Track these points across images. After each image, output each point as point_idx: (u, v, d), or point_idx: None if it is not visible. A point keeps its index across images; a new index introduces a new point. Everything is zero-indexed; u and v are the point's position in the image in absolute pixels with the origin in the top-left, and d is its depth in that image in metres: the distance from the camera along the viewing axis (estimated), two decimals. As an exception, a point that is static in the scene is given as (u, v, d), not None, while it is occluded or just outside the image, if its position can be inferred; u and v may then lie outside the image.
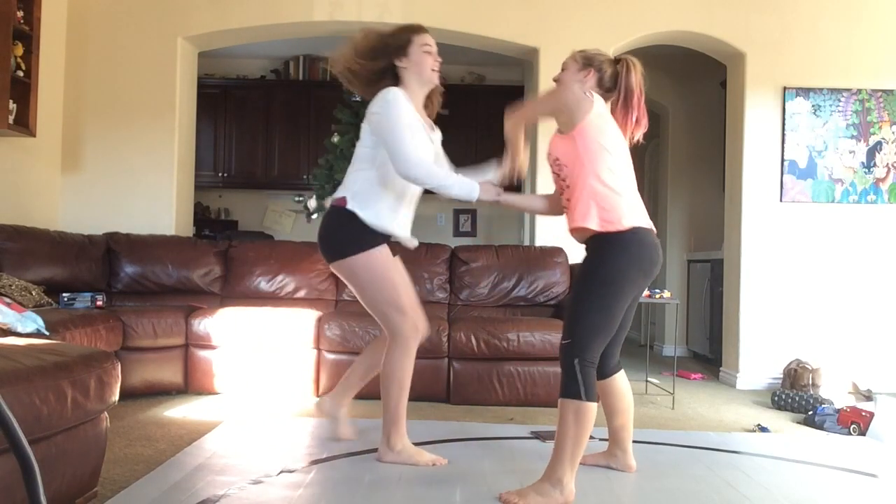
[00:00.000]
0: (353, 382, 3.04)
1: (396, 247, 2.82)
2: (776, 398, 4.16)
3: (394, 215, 2.74)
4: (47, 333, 2.97)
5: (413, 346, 2.75)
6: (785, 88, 4.89)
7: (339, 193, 2.73)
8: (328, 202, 2.87)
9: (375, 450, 2.83)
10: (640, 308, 6.19)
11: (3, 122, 3.94)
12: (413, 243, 2.87)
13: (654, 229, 2.51)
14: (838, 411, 3.63)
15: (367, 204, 2.67)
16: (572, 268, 4.63)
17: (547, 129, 5.00)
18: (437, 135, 2.88)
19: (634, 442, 2.92)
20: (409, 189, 2.76)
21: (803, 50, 4.90)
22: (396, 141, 2.57)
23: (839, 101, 4.87)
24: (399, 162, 2.57)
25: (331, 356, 4.04)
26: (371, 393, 4.00)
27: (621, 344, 2.67)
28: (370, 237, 2.68)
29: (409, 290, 2.80)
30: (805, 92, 4.88)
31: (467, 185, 2.61)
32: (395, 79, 2.74)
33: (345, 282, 2.82)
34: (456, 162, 2.86)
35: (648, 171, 7.39)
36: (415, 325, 2.74)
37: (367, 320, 4.07)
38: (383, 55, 2.72)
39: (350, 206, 2.67)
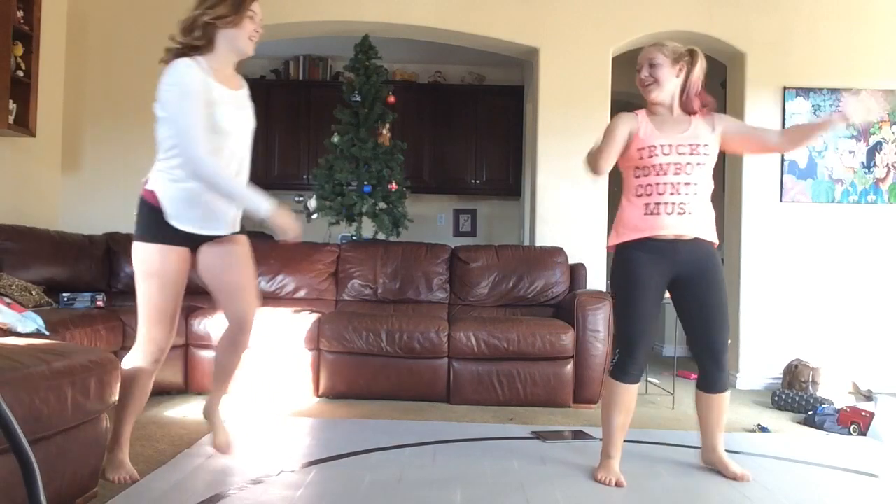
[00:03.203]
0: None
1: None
2: (776, 398, 4.16)
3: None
4: (47, 333, 2.97)
5: (142, 365, 2.51)
6: (785, 88, 4.89)
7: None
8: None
9: (376, 450, 2.83)
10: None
11: (3, 122, 3.93)
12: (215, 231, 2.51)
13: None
14: (838, 411, 3.63)
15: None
16: (572, 268, 4.62)
17: (548, 128, 5.01)
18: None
19: (635, 442, 2.92)
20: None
21: (803, 50, 4.90)
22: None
23: (839, 101, 4.86)
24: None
25: (331, 356, 4.03)
26: (370, 393, 4.03)
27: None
28: (160, 229, 2.41)
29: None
30: (805, 92, 4.88)
31: (257, 199, 2.38)
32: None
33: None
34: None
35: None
36: (154, 349, 2.52)
37: (367, 320, 4.07)
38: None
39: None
